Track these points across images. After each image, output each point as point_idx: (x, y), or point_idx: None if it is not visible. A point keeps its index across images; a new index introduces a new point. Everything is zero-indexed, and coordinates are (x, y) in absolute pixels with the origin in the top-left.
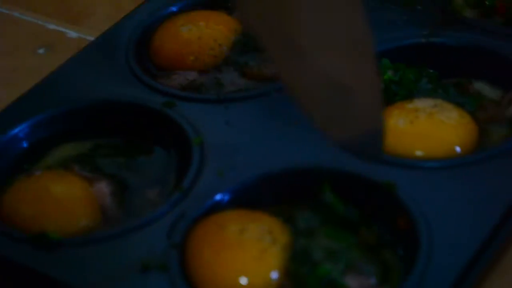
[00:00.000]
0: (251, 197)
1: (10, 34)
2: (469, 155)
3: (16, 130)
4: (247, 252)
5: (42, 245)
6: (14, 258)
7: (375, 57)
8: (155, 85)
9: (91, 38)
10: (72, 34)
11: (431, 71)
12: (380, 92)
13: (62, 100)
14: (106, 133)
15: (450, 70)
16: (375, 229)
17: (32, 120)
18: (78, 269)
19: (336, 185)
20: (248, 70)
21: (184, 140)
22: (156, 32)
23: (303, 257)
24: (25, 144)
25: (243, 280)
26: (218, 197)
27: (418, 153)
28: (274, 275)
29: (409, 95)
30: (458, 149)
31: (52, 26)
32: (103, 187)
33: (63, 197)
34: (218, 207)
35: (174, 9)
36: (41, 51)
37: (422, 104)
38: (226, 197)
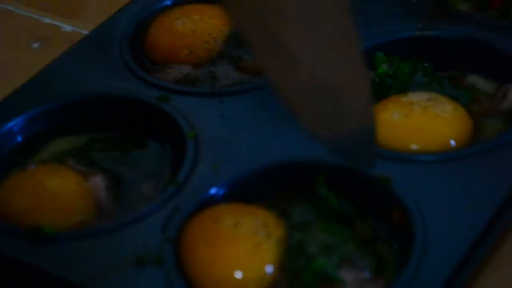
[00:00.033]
0: (246, 191)
1: (5, 28)
2: (463, 148)
3: (10, 124)
4: (241, 246)
5: (37, 239)
6: (9, 252)
7: (362, 57)
8: (150, 79)
9: (86, 32)
10: (67, 28)
11: (426, 64)
12: (370, 93)
13: (57, 94)
14: (100, 127)
15: (445, 64)
16: (370, 223)
17: (26, 114)
18: (73, 264)
19: (331, 178)
20: (242, 64)
21: (179, 134)
22: (151, 25)
23: (298, 251)
24: (19, 138)
25: (238, 274)
26: (212, 191)
27: (413, 146)
28: (269, 269)
29: (404, 89)
30: (452, 142)
31: (46, 20)
32: (98, 181)
33: (58, 191)
34: (212, 201)
35: (168, 2)
36: (35, 45)
37: (416, 97)
38: (221, 191)
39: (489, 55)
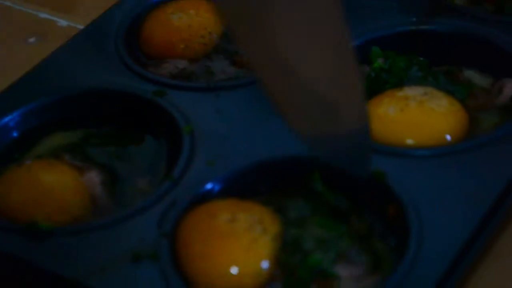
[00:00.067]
0: (242, 186)
1: (1, 23)
2: (459, 143)
3: (6, 119)
4: (237, 241)
5: (33, 235)
6: (4, 248)
7: (355, 57)
8: (145, 74)
9: (82, 27)
10: (63, 22)
11: (421, 59)
12: (364, 94)
13: (52, 89)
14: (96, 122)
15: (440, 58)
16: (366, 218)
17: (22, 109)
18: (69, 259)
19: (326, 174)
20: (238, 59)
21: (175, 128)
22: (146, 20)
23: (294, 247)
24: (15, 133)
25: (234, 270)
26: (208, 186)
27: (408, 141)
28: (265, 264)
29: (399, 83)
30: (448, 137)
31: (43, 15)
32: (94, 177)
33: (54, 187)
34: (208, 196)
35: None
36: (32, 40)
37: (412, 92)
38: (217, 186)
39: (485, 49)
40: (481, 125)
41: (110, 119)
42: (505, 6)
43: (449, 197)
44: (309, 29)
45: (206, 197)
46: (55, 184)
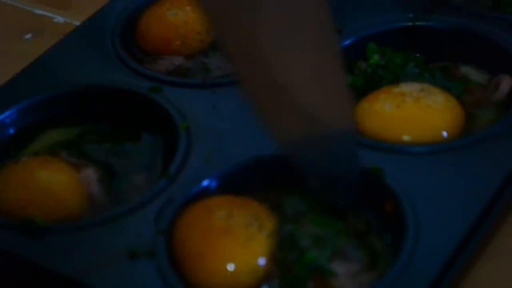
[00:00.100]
0: (238, 183)
1: None
2: (456, 139)
3: (2, 116)
4: (234, 238)
5: (29, 232)
6: (0, 245)
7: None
8: (142, 70)
9: (78, 23)
10: (59, 19)
11: (418, 55)
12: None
13: (49, 85)
14: (93, 119)
15: (437, 54)
16: (363, 215)
17: (18, 106)
18: (65, 256)
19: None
20: None
21: (171, 125)
22: (142, 16)
23: (290, 244)
24: (11, 130)
25: (230, 266)
26: (205, 182)
27: (405, 137)
28: (261, 261)
29: (396, 79)
30: (444, 133)
31: (39, 11)
32: (90, 173)
33: (50, 184)
34: (205, 193)
35: None
36: (28, 36)
37: (408, 88)
38: (213, 183)
39: (481, 45)
40: (477, 121)
41: (107, 116)
42: (501, 2)
43: (445, 194)
44: (293, 32)
45: (202, 194)
46: (52, 181)
